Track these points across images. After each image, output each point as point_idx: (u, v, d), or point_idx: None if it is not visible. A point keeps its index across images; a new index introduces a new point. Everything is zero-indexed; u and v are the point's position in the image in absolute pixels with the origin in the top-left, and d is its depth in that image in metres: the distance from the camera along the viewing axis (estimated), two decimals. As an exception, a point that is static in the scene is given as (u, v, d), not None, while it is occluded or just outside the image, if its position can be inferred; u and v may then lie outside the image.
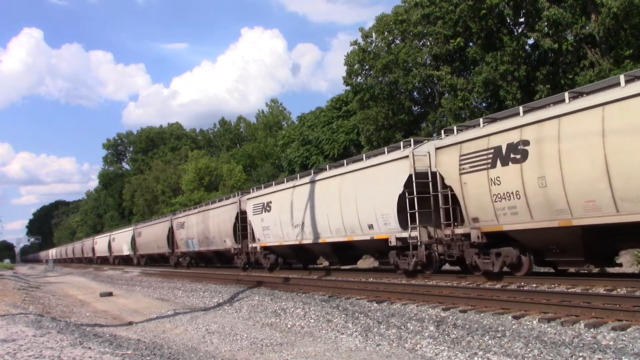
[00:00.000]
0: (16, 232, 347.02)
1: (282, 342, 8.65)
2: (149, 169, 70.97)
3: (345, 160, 17.96)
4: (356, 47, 29.88)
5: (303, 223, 18.86)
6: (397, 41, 28.68)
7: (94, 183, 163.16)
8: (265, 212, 21.93)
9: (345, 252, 18.52)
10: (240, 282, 18.64)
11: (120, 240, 47.45)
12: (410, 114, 29.61)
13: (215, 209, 26.97)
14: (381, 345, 7.79)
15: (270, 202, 21.50)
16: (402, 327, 8.56)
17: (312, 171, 20.28)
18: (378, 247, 16.19)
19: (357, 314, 9.88)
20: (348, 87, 32.47)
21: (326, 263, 22.55)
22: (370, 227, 15.62)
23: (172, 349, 8.30)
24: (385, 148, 16.04)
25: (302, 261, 22.21)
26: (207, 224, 27.66)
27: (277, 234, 20.86)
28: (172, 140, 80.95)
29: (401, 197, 14.16)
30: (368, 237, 15.72)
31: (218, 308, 13.45)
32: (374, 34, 29.43)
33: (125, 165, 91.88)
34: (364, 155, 17.14)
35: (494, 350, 6.76)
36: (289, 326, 10.01)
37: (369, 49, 29.36)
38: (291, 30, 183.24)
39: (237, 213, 24.12)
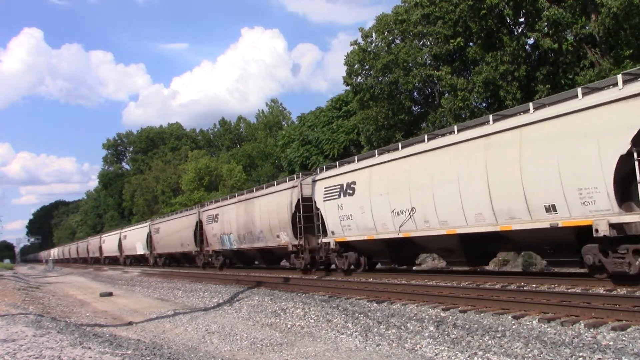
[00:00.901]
0: (16, 232, 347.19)
1: (282, 342, 8.65)
2: (149, 169, 70.95)
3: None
4: (356, 47, 29.86)
5: (413, 209, 14.05)
6: (397, 41, 28.66)
7: (94, 183, 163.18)
8: (345, 196, 16.82)
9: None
10: (240, 282, 18.64)
11: (133, 237, 43.20)
12: (410, 114, 29.58)
13: (264, 196, 22.13)
14: (381, 345, 7.79)
15: (354, 182, 16.48)
16: (402, 327, 8.56)
17: (425, 136, 14.36)
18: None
19: (357, 314, 9.88)
20: (348, 87, 32.44)
21: (429, 263, 21.34)
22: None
23: (172, 349, 8.30)
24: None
25: (399, 260, 17.22)
26: (252, 216, 22.75)
27: (365, 225, 16.00)
28: (172, 140, 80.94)
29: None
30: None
31: (218, 308, 13.44)
32: (374, 34, 29.41)
33: (125, 165, 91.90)
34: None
35: (494, 350, 6.76)
36: (288, 326, 10.00)
37: (369, 49, 29.33)
38: (291, 31, 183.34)
39: (298, 200, 19.04)
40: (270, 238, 21.37)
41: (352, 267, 17.51)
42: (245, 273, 23.18)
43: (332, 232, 17.65)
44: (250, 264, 26.74)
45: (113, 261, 51.80)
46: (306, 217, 18.93)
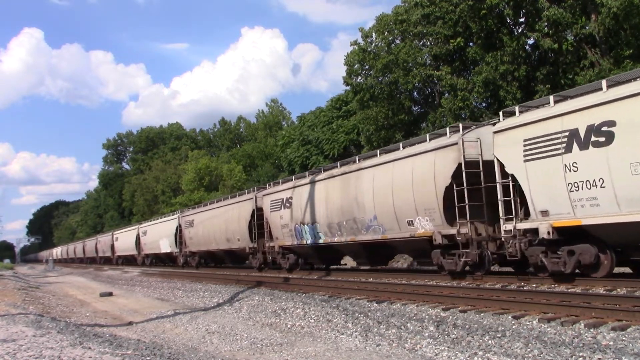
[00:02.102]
0: (16, 232, 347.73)
1: (282, 342, 8.65)
2: (149, 169, 70.98)
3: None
4: (356, 47, 29.89)
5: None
6: (397, 41, 28.68)
7: (94, 183, 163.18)
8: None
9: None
10: (240, 282, 18.64)
11: (157, 233, 36.89)
12: (410, 114, 29.61)
13: (381, 165, 15.35)
14: (381, 345, 7.79)
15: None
16: (402, 327, 8.56)
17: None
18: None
19: (357, 314, 9.88)
20: (348, 87, 32.49)
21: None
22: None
23: (172, 349, 8.30)
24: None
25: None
26: (359, 195, 15.99)
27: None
28: (172, 140, 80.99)
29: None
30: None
31: (218, 308, 13.44)
32: (374, 34, 29.43)
33: (125, 165, 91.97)
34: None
35: (494, 350, 6.76)
36: (289, 326, 10.00)
37: (369, 49, 29.36)
38: (291, 31, 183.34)
39: (460, 165, 12.50)
40: (395, 226, 14.79)
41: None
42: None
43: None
44: (335, 264, 21.43)
45: (127, 261, 46.02)
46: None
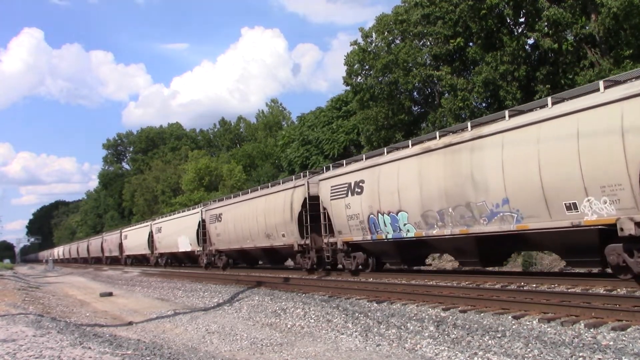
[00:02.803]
0: (16, 232, 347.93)
1: (282, 342, 8.65)
2: (149, 169, 70.96)
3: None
4: (356, 47, 29.87)
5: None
6: (397, 41, 28.65)
7: (94, 183, 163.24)
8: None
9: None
10: (240, 282, 18.63)
11: (174, 230, 32.37)
12: (410, 114, 29.58)
13: (518, 129, 11.14)
14: (381, 345, 7.79)
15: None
16: (402, 327, 8.56)
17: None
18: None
19: (357, 314, 9.88)
20: (348, 87, 32.45)
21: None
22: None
23: (172, 349, 8.29)
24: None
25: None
26: (476, 172, 11.96)
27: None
28: (172, 140, 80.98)
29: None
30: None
31: (218, 308, 13.44)
32: (374, 34, 29.40)
33: (125, 165, 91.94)
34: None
35: (494, 350, 6.76)
36: (289, 326, 10.00)
37: (369, 49, 29.33)
38: (291, 31, 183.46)
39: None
40: (541, 213, 10.77)
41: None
42: (245, 273, 22.48)
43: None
44: (420, 264, 17.12)
45: (138, 262, 42.61)
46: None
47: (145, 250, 38.78)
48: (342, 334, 8.80)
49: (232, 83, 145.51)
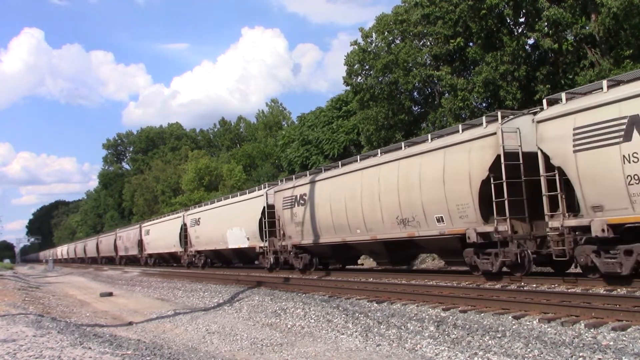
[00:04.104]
0: (16, 232, 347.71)
1: (282, 342, 8.65)
2: (149, 169, 70.99)
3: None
4: (356, 47, 29.87)
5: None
6: (397, 41, 28.66)
7: (94, 183, 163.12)
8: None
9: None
10: (240, 282, 18.64)
11: (217, 222, 26.49)
12: (410, 114, 29.58)
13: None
14: (381, 346, 7.79)
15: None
16: (402, 327, 8.56)
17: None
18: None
19: (357, 314, 9.88)
20: (348, 87, 32.46)
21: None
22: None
23: (172, 349, 8.30)
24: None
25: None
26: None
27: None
28: (172, 140, 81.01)
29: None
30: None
31: (218, 308, 13.44)
32: (374, 34, 29.41)
33: (125, 165, 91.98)
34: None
35: (494, 350, 6.76)
36: (289, 326, 10.00)
37: (369, 49, 29.34)
38: (291, 31, 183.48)
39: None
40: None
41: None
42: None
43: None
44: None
45: (164, 261, 37.11)
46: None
47: (176, 248, 32.34)
48: (342, 334, 8.80)
49: (232, 83, 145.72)
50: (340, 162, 18.45)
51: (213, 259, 29.64)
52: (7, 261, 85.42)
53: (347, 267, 21.28)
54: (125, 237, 46.11)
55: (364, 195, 16.06)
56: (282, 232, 20.74)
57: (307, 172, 20.39)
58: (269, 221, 21.38)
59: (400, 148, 15.40)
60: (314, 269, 19.88)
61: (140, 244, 41.21)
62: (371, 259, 20.06)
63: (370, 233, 15.99)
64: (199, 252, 30.14)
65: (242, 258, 26.64)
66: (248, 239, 23.69)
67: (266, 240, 21.48)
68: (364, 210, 16.10)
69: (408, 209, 14.26)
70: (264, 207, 22.02)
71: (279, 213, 20.93)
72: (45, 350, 6.98)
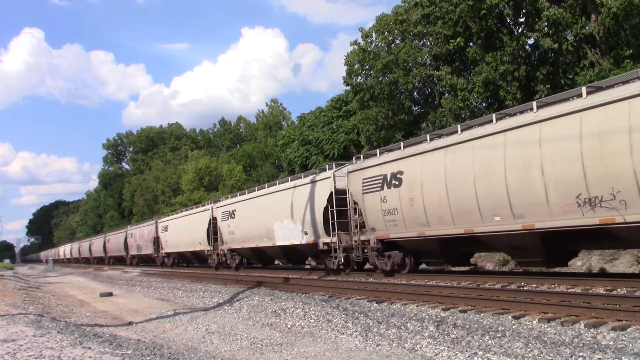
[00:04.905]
0: (16, 232, 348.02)
1: (282, 342, 8.64)
2: (149, 169, 70.99)
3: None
4: (356, 47, 29.88)
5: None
6: (397, 41, 28.66)
7: (94, 183, 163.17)
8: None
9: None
10: (240, 282, 18.64)
11: (261, 213, 21.97)
12: (410, 114, 29.58)
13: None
14: (381, 345, 7.79)
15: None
16: (402, 327, 8.56)
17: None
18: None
19: (357, 314, 9.88)
20: (348, 87, 32.46)
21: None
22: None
23: (172, 349, 8.29)
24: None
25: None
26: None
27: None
28: (172, 140, 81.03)
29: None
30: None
31: (218, 308, 13.44)
32: (374, 34, 29.42)
33: (125, 165, 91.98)
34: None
35: (494, 350, 6.76)
36: (289, 326, 10.00)
37: (369, 49, 29.35)
38: (292, 31, 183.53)
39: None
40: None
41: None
42: (245, 273, 21.58)
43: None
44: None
45: (185, 261, 34.02)
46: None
47: (202, 246, 28.16)
48: (342, 334, 8.80)
49: (233, 83, 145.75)
50: (459, 127, 13.53)
51: (251, 258, 24.97)
52: (7, 261, 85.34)
53: (459, 269, 16.71)
54: (137, 235, 41.40)
55: (510, 167, 11.54)
56: (357, 224, 16.41)
57: (401, 143, 15.53)
58: (337, 210, 17.06)
59: (581, 95, 10.62)
60: (407, 271, 15.42)
61: (156, 241, 36.57)
62: (499, 258, 17.04)
63: (521, 220, 11.55)
64: (232, 250, 25.28)
65: (291, 257, 22.29)
66: (306, 233, 18.95)
67: (334, 235, 17.16)
68: (509, 188, 11.64)
69: (602, 183, 9.87)
70: (332, 193, 17.36)
71: (356, 198, 16.46)
72: (45, 350, 6.98)
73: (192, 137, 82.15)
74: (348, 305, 10.94)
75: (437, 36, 25.97)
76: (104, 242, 52.67)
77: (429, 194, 13.62)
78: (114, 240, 48.90)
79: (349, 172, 17.09)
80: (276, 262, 24.80)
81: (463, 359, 6.62)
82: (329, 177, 17.81)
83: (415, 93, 29.67)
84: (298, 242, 19.53)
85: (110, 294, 19.84)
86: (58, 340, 7.93)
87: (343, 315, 9.95)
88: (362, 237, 16.25)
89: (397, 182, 14.76)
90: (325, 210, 17.63)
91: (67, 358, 6.47)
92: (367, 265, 17.64)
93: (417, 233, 14.26)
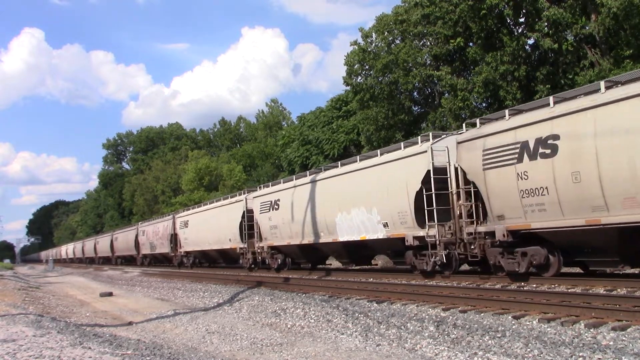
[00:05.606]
0: (16, 232, 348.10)
1: (282, 342, 8.64)
2: (149, 169, 71.03)
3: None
4: (356, 47, 29.90)
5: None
6: (397, 41, 28.69)
7: (94, 183, 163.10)
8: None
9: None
10: (240, 282, 18.64)
11: (309, 208, 18.55)
12: (410, 114, 29.61)
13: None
14: (381, 345, 7.79)
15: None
16: (402, 327, 8.56)
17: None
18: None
19: (357, 314, 9.88)
20: (348, 87, 32.49)
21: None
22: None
23: (172, 349, 8.29)
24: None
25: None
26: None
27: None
28: (172, 140, 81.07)
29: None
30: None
31: (218, 308, 13.44)
32: (374, 34, 29.45)
33: (125, 165, 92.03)
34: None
35: (494, 350, 6.76)
36: (289, 326, 10.00)
37: (369, 49, 29.38)
38: (292, 31, 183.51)
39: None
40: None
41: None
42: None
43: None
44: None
45: (210, 262, 30.47)
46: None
47: (234, 243, 24.32)
48: (342, 334, 8.79)
49: (233, 83, 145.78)
50: None
51: (299, 258, 21.46)
52: (7, 261, 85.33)
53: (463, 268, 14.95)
54: (151, 232, 37.08)
55: None
56: (473, 212, 12.71)
57: (549, 98, 11.28)
58: (436, 194, 13.30)
59: None
60: (554, 274, 11.58)
61: (174, 239, 32.51)
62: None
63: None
64: (273, 248, 21.63)
65: (355, 255, 18.85)
66: (385, 225, 15.31)
67: (431, 226, 13.54)
68: None
69: None
70: (428, 171, 13.57)
71: (473, 176, 12.49)
72: (45, 350, 6.98)
73: (192, 137, 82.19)
74: (348, 305, 10.94)
75: (437, 36, 25.99)
76: (111, 241, 48.47)
77: (610, 165, 9.70)
78: (123, 239, 44.51)
79: (459, 143, 12.91)
80: (327, 262, 22.86)
81: (463, 359, 6.62)
82: (425, 151, 13.71)
83: (415, 93, 29.71)
84: (373, 237, 15.86)
85: (110, 294, 19.83)
86: (58, 340, 7.93)
87: (343, 316, 9.95)
88: (481, 229, 12.29)
89: (547, 151, 10.77)
90: (418, 195, 13.84)
91: (67, 358, 6.47)
92: (464, 267, 14.82)
93: (584, 221, 10.25)
